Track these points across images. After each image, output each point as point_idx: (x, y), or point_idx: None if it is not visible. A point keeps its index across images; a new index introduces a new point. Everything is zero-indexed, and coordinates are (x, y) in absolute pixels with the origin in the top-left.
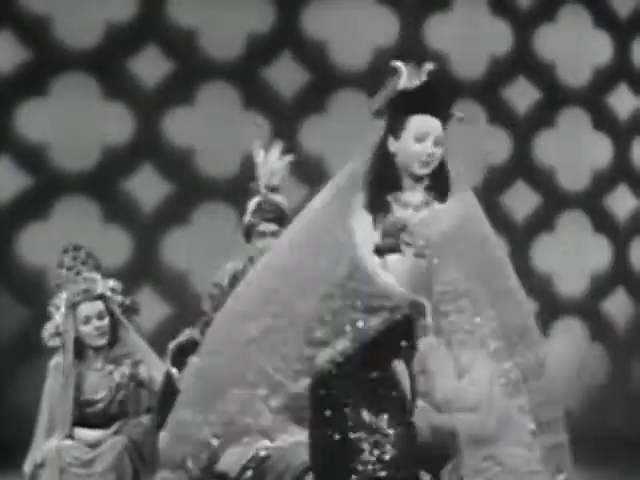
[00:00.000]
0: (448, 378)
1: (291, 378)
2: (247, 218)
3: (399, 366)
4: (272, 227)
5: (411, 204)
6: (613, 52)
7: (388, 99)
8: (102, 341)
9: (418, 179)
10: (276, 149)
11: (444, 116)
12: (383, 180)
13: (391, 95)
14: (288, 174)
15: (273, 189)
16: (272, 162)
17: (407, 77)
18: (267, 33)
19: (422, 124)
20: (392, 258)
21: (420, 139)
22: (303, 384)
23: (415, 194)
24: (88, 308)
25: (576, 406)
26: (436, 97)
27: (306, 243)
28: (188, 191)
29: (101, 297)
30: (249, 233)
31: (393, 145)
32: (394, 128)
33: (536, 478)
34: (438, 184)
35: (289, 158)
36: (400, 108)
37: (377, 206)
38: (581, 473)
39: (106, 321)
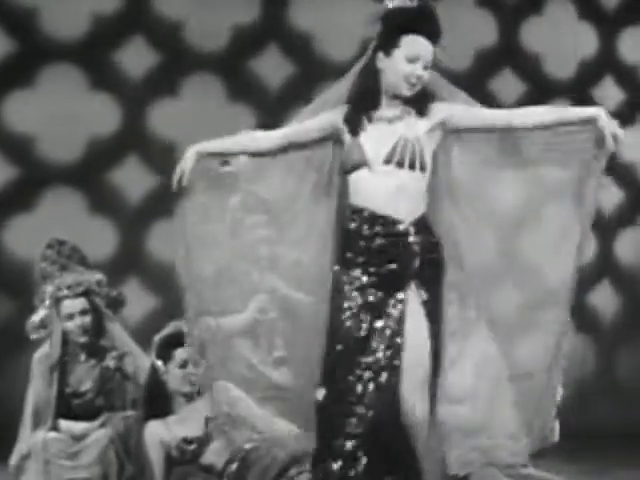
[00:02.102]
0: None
1: (272, 367)
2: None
3: None
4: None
5: (385, 117)
6: (599, 45)
7: (382, 14)
8: (84, 338)
9: (399, 98)
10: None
11: (435, 42)
12: (363, 95)
13: (386, 10)
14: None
15: None
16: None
17: None
18: (253, 25)
19: (416, 45)
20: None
21: (412, 60)
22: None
23: (390, 109)
24: (71, 305)
25: (563, 400)
26: (432, 21)
27: None
28: (174, 183)
29: (85, 293)
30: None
31: (382, 62)
32: (385, 44)
33: (521, 470)
34: (417, 103)
35: None
36: (395, 26)
37: (352, 123)
38: (566, 466)
39: (89, 318)
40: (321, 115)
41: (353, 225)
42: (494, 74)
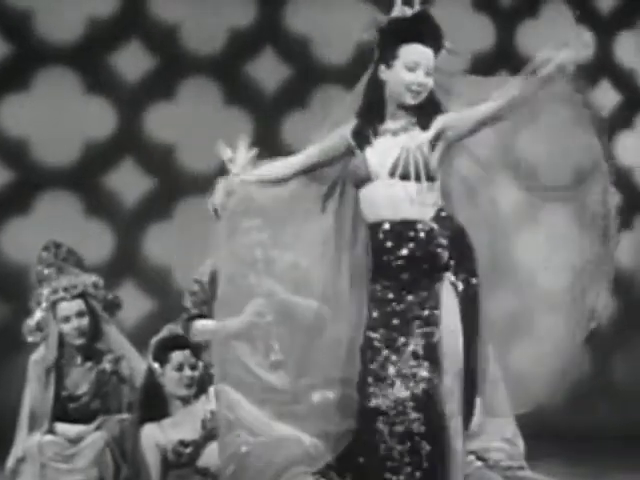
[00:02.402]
0: None
1: (269, 370)
2: None
3: None
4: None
5: (389, 130)
6: (595, 48)
7: (379, 26)
8: (81, 340)
9: (405, 108)
10: (243, 144)
11: (436, 47)
12: (368, 108)
13: (383, 22)
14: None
15: None
16: (242, 158)
17: (400, 7)
18: (249, 28)
19: (414, 53)
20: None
21: (411, 68)
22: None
23: (395, 121)
24: (68, 307)
25: (558, 401)
26: (429, 27)
27: None
28: (170, 186)
29: (81, 295)
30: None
31: (384, 73)
32: (386, 56)
33: (518, 473)
34: (424, 112)
35: (256, 151)
36: (392, 37)
37: (359, 136)
38: (563, 468)
39: (86, 320)
40: (333, 133)
41: (376, 242)
42: (490, 77)
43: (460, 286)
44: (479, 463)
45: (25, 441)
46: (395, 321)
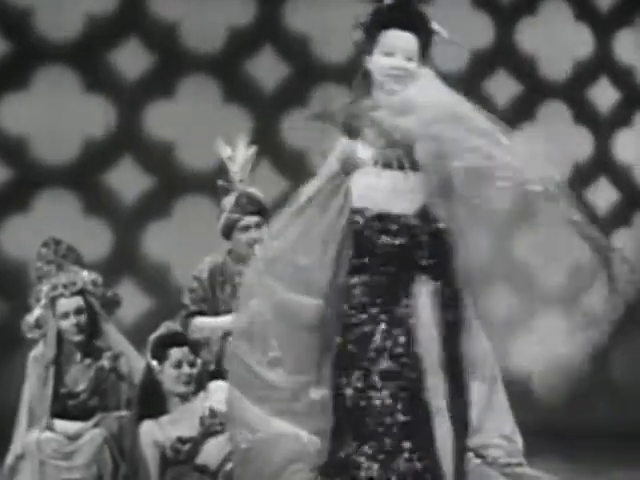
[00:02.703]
0: None
1: (267, 368)
2: (226, 215)
3: None
4: (255, 219)
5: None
6: (594, 45)
7: (365, 19)
8: (80, 337)
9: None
10: (242, 142)
11: (421, 32)
12: (359, 98)
13: (368, 16)
14: (255, 165)
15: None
16: (241, 156)
17: None
18: (248, 27)
19: (391, 38)
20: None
21: (388, 53)
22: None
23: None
24: (67, 304)
25: (558, 399)
26: (407, 12)
27: None
28: (169, 184)
29: (80, 292)
30: (230, 230)
31: (369, 63)
32: (368, 46)
33: (517, 469)
34: None
35: (255, 149)
36: (372, 26)
37: (348, 126)
38: (561, 465)
39: (84, 317)
40: (327, 162)
41: (356, 227)
42: (489, 75)
43: (438, 287)
44: (478, 460)
45: (24, 438)
46: (370, 318)
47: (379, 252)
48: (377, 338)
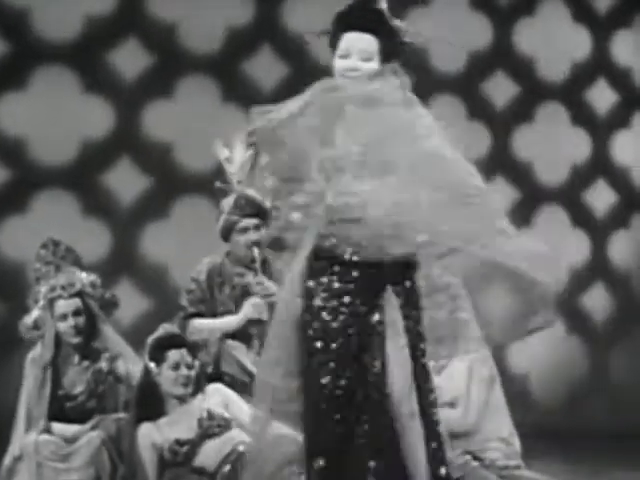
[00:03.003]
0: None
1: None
2: (225, 217)
3: None
4: (254, 221)
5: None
6: (592, 47)
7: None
8: (78, 339)
9: None
10: (240, 143)
11: (380, 32)
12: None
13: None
14: (254, 166)
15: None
16: (239, 157)
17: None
18: (247, 27)
19: (347, 41)
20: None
21: (343, 56)
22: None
23: None
24: (65, 305)
25: (556, 401)
26: (364, 14)
27: None
28: (167, 185)
29: (79, 294)
30: (229, 231)
31: (334, 66)
32: (333, 51)
33: (515, 472)
34: None
35: (252, 150)
36: (334, 31)
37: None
38: (559, 467)
39: (83, 318)
40: None
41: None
42: (487, 76)
43: (401, 300)
44: (475, 463)
45: (21, 440)
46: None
47: (347, 260)
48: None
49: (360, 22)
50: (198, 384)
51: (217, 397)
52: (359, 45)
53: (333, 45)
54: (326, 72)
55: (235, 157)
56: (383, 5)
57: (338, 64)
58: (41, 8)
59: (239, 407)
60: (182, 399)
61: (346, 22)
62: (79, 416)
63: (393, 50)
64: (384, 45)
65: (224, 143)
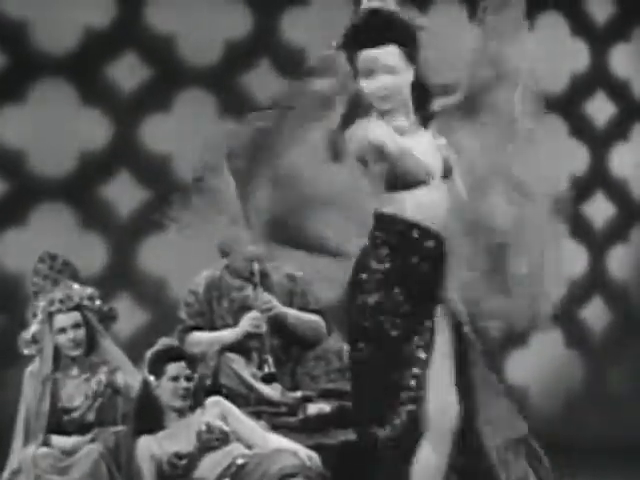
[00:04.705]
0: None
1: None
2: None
3: None
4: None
5: (403, 129)
6: (590, 59)
7: (341, 43)
8: (77, 352)
9: (387, 113)
10: None
11: (397, 38)
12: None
13: (342, 39)
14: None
15: None
16: None
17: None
18: (245, 40)
19: (365, 60)
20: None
21: (367, 75)
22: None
23: (408, 118)
24: (64, 319)
25: (554, 413)
26: (376, 28)
27: None
28: (165, 197)
29: (78, 307)
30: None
31: (358, 84)
32: (352, 67)
33: None
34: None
35: None
36: (349, 48)
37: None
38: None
39: (82, 331)
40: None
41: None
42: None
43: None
44: None
45: (20, 453)
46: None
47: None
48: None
49: (376, 36)
50: (197, 397)
51: (216, 410)
52: (380, 60)
53: (351, 62)
54: None
55: None
56: (392, 6)
57: (365, 84)
58: (39, 20)
59: (238, 420)
60: (181, 412)
61: (360, 40)
62: (78, 429)
63: (415, 51)
64: (407, 49)
65: None
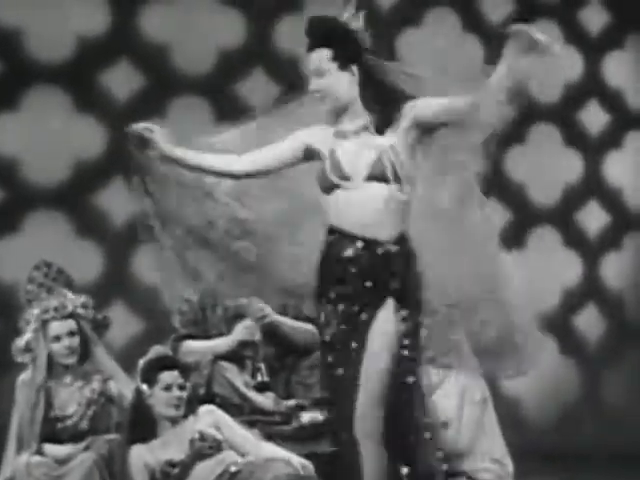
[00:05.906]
0: None
1: (256, 391)
2: None
3: None
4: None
5: (346, 132)
6: (584, 68)
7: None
8: (72, 360)
9: (338, 113)
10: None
11: (328, 43)
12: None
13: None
14: None
15: None
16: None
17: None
18: (239, 48)
19: (307, 63)
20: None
21: (310, 76)
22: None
23: (353, 121)
24: (59, 327)
25: (548, 422)
26: (312, 32)
27: None
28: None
29: (72, 315)
30: None
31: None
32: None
33: None
34: (383, 110)
35: None
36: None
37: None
38: None
39: (76, 339)
40: (289, 138)
41: (329, 248)
42: None
43: (403, 313)
44: None
45: (14, 462)
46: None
47: (350, 275)
48: None
49: (311, 42)
50: (190, 406)
51: (209, 418)
52: (314, 63)
53: None
54: None
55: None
56: (356, 23)
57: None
58: (33, 28)
59: (231, 429)
60: (174, 420)
61: (309, 44)
62: (71, 437)
63: (352, 54)
64: (342, 52)
65: None
